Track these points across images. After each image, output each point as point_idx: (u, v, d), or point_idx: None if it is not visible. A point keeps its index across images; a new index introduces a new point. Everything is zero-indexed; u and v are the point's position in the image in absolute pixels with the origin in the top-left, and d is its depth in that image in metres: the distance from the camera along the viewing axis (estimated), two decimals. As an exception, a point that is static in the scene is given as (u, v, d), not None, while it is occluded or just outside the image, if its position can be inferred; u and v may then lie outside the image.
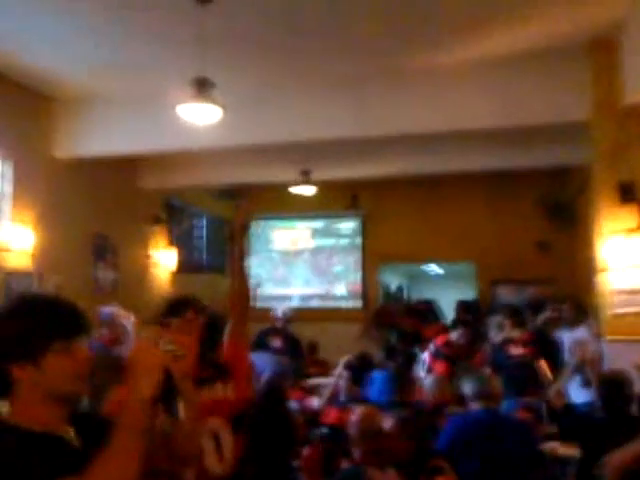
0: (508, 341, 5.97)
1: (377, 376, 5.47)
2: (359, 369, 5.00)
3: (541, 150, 8.09)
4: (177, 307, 2.77)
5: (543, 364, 5.62)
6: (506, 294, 10.79)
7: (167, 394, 1.44)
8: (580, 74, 5.92)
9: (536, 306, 7.55)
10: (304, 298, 11.86)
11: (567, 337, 6.00)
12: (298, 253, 12.21)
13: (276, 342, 7.06)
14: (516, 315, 6.67)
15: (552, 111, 6.09)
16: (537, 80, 6.07)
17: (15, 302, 1.57)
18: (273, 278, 12.14)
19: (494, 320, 6.50)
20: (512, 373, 5.34)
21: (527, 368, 5.58)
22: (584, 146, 6.34)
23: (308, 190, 9.51)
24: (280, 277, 12.15)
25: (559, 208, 10.20)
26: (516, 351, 5.81)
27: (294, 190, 9.58)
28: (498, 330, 6.17)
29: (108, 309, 5.66)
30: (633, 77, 5.32)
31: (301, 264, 12.15)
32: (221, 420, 2.63)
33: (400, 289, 13.92)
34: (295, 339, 7.42)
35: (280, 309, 7.64)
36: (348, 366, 5.04)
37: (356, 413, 3.44)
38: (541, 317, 7.00)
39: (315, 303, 11.86)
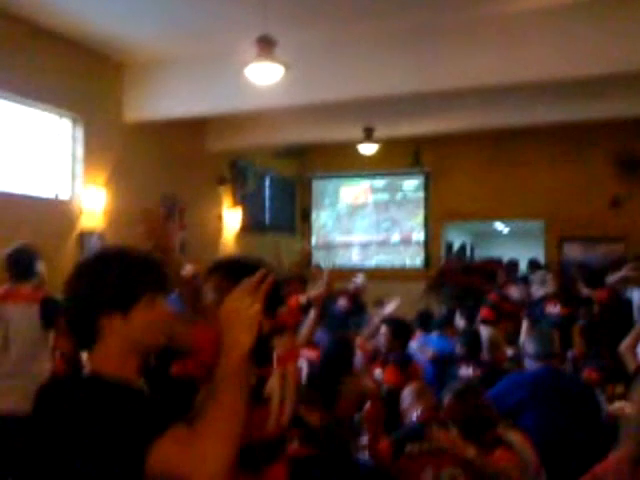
0: (547, 298, 5.79)
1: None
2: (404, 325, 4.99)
3: (615, 101, 7.72)
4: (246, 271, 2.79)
5: (576, 329, 5.38)
6: (575, 252, 10.51)
7: (259, 346, 1.42)
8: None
9: (614, 265, 7.30)
10: (364, 245, 12.35)
11: (637, 295, 5.83)
12: (362, 207, 12.51)
13: (342, 301, 7.15)
14: (588, 273, 6.50)
15: (628, 58, 5.75)
16: (611, 25, 5.72)
17: (106, 254, 1.57)
18: (338, 228, 12.63)
19: (538, 275, 6.33)
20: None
21: (560, 329, 5.36)
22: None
23: (370, 148, 9.45)
24: (344, 228, 12.60)
25: (634, 163, 9.79)
26: (554, 310, 5.62)
27: (358, 148, 9.53)
28: (540, 285, 5.99)
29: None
30: None
31: (364, 217, 12.50)
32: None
33: (463, 247, 13.74)
34: (361, 301, 7.50)
35: (358, 280, 7.70)
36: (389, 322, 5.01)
37: (408, 388, 3.59)
38: (615, 276, 6.76)
39: (374, 251, 12.32)
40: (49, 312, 4.02)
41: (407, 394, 3.58)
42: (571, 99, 7.78)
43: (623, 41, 5.72)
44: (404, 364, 4.53)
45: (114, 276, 1.47)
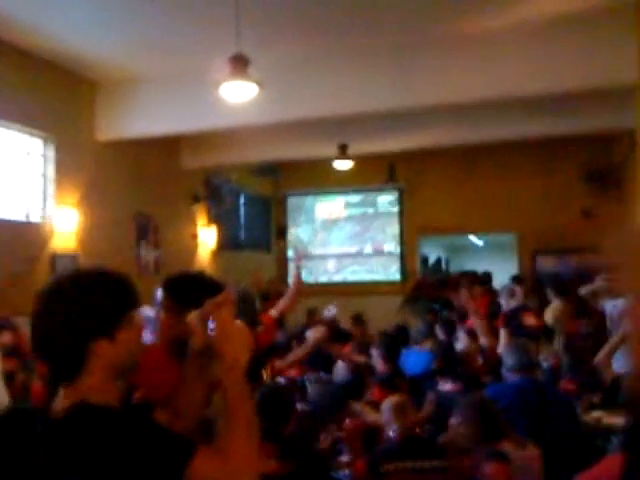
0: (523, 309, 5.86)
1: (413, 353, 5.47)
2: (395, 342, 4.98)
3: (585, 116, 7.88)
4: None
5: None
6: (549, 264, 10.64)
7: (254, 363, 1.54)
8: (627, 35, 5.66)
9: (584, 276, 7.40)
10: (339, 257, 12.54)
11: (610, 306, 5.89)
12: (337, 221, 12.67)
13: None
14: (561, 286, 6.58)
15: (598, 75, 5.89)
16: (582, 43, 5.87)
17: (83, 277, 1.50)
18: (314, 241, 12.76)
19: (505, 287, 6.44)
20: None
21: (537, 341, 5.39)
22: (630, 110, 6.16)
23: (345, 164, 9.49)
24: (320, 241, 12.75)
25: (604, 175, 9.97)
26: (530, 321, 5.67)
27: (334, 164, 9.57)
28: (509, 297, 6.08)
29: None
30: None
31: (340, 230, 12.66)
32: None
33: (439, 261, 13.84)
34: (338, 329, 7.45)
35: (331, 310, 7.62)
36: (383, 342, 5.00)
37: (388, 401, 3.53)
38: (588, 287, 6.85)
39: (349, 263, 12.48)
40: None
41: (386, 408, 3.53)
42: (541, 114, 7.91)
43: (590, 59, 5.86)
44: (390, 381, 4.53)
45: (98, 300, 1.43)
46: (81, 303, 1.42)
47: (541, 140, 9.46)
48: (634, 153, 7.16)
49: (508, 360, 3.94)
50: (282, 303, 4.40)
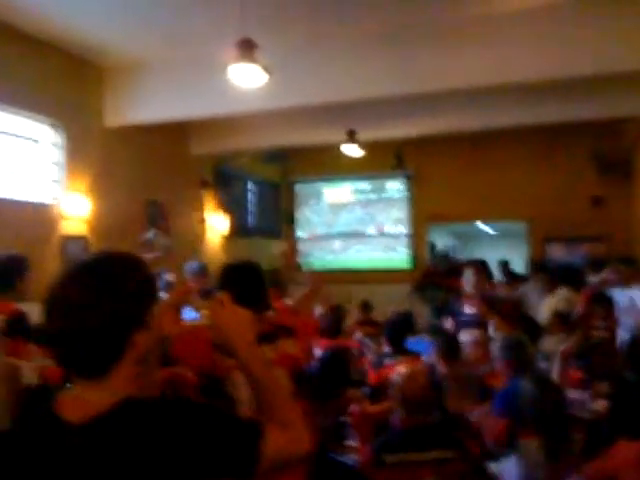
0: (465, 297, 5.74)
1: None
2: (400, 329, 4.95)
3: (594, 102, 7.78)
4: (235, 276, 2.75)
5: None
6: (558, 252, 10.58)
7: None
8: (636, 20, 5.61)
9: (595, 265, 7.34)
10: (347, 236, 12.56)
11: (621, 295, 5.85)
12: (345, 205, 12.68)
13: None
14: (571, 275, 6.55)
15: (606, 61, 5.81)
16: (589, 29, 5.78)
17: (109, 262, 1.35)
18: (322, 223, 12.80)
19: (466, 273, 6.27)
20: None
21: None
22: (639, 96, 6.10)
23: (354, 150, 9.43)
24: (328, 222, 12.79)
25: (613, 162, 9.89)
26: (469, 309, 5.55)
27: (343, 149, 9.52)
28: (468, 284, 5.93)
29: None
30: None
31: (348, 212, 12.67)
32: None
33: (448, 249, 13.80)
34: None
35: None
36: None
37: (400, 374, 3.29)
38: (597, 277, 6.79)
39: (356, 243, 12.50)
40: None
41: (396, 382, 3.27)
42: (550, 100, 7.83)
43: (598, 44, 5.78)
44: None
45: (134, 286, 1.32)
46: (119, 290, 1.29)
47: (550, 126, 9.36)
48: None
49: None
50: (299, 296, 4.44)
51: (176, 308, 1.64)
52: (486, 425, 3.28)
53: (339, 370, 3.86)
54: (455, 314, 5.29)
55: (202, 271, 6.07)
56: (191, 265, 6.17)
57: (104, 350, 1.27)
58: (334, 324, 5.72)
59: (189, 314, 2.40)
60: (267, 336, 2.58)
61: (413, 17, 6.18)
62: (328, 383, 3.57)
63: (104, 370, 1.28)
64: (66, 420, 1.26)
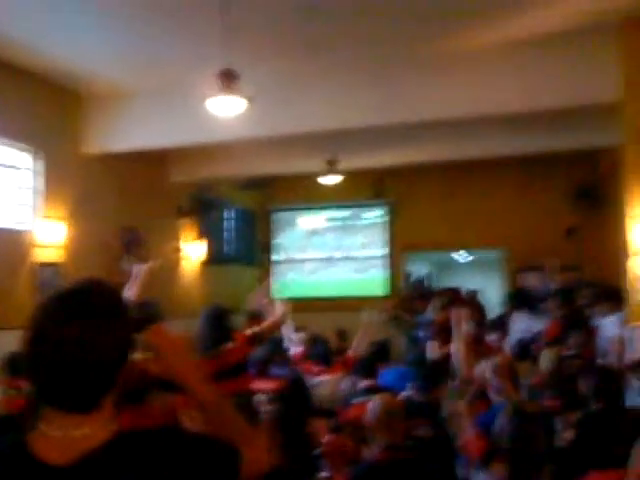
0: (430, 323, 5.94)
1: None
2: (372, 360, 4.97)
3: (569, 134, 7.98)
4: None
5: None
6: (533, 281, 10.68)
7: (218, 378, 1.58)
8: (609, 55, 5.81)
9: (565, 292, 7.43)
10: (320, 260, 12.62)
11: (607, 323, 5.86)
12: (322, 230, 12.72)
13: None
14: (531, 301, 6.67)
15: (581, 93, 6.01)
16: (565, 62, 6.01)
17: (101, 290, 1.29)
18: (297, 247, 12.82)
19: (434, 302, 6.56)
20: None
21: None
22: (613, 128, 6.26)
23: (333, 180, 9.51)
24: (303, 246, 12.82)
25: (587, 192, 10.08)
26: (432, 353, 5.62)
27: (321, 180, 9.60)
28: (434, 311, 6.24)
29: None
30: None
31: (321, 237, 12.74)
32: None
33: (423, 277, 13.88)
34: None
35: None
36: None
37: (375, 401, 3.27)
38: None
39: (329, 269, 12.59)
40: None
41: (373, 409, 3.21)
42: (526, 132, 8.01)
43: (574, 77, 5.98)
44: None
45: (127, 314, 1.30)
46: (117, 323, 1.25)
47: (529, 157, 9.55)
48: (615, 172, 7.26)
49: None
50: (265, 323, 4.59)
51: None
52: (469, 441, 3.30)
53: (299, 398, 3.86)
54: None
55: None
56: None
57: (100, 383, 1.22)
58: (324, 353, 5.81)
59: None
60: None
61: (394, 51, 6.31)
62: (292, 410, 3.57)
63: (96, 403, 1.22)
64: (48, 464, 1.17)
